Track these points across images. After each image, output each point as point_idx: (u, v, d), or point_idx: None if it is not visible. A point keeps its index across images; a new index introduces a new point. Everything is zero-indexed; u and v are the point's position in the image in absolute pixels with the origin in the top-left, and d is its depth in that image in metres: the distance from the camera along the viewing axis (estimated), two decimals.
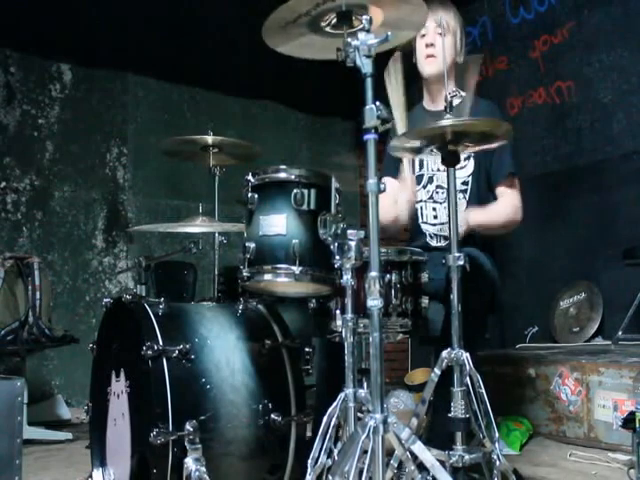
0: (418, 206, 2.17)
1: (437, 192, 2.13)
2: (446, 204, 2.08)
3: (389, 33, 1.23)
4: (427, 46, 2.06)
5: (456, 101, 2.04)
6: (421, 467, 1.25)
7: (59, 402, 3.23)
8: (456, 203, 1.56)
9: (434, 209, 2.15)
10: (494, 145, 1.63)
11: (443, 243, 2.11)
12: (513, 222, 2.05)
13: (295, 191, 1.44)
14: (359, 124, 1.22)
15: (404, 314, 1.60)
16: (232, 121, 4.15)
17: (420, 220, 2.17)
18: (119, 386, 1.56)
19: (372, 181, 1.19)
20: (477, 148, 1.63)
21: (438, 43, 2.03)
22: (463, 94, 2.14)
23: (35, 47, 3.51)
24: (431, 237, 2.16)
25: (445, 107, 1.58)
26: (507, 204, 2.05)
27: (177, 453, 1.36)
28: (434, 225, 2.15)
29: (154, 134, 3.78)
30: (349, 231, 1.31)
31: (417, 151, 1.65)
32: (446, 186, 1.59)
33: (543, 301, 3.42)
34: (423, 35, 2.08)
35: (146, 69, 3.88)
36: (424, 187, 2.16)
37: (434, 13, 2.00)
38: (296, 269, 1.41)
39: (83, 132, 3.70)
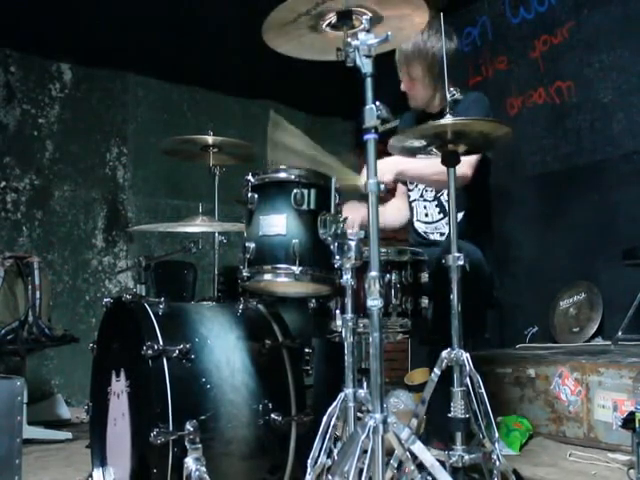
0: (414, 205, 2.20)
1: (426, 190, 2.14)
2: (435, 202, 2.11)
3: (389, 33, 1.23)
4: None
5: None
6: (421, 467, 1.25)
7: (59, 402, 3.23)
8: (455, 203, 1.56)
9: (425, 207, 2.16)
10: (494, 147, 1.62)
11: (440, 237, 2.12)
12: (443, 179, 1.97)
13: (295, 191, 1.44)
14: (359, 124, 1.22)
15: (404, 314, 1.60)
16: (232, 121, 4.15)
17: (415, 218, 2.19)
18: (119, 386, 1.56)
19: (372, 181, 1.19)
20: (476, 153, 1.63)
21: (411, 89, 2.08)
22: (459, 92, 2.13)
23: (35, 46, 3.51)
24: (426, 234, 2.17)
25: (444, 108, 1.59)
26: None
27: (177, 453, 1.36)
28: (426, 223, 2.16)
29: (154, 134, 3.78)
30: (349, 231, 1.31)
31: (416, 151, 1.65)
32: None
33: (543, 301, 3.42)
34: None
35: (146, 69, 3.88)
36: (416, 186, 2.18)
37: (402, 61, 2.03)
38: (296, 269, 1.41)
39: (83, 132, 3.70)
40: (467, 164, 1.87)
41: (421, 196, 2.17)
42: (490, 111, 2.02)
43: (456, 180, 1.74)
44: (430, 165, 1.82)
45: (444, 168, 1.79)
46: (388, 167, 1.84)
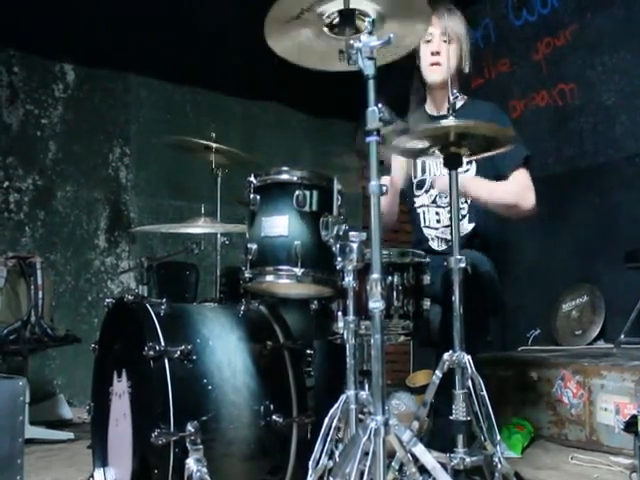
0: (420, 210, 2.18)
1: (440, 197, 2.13)
2: (448, 209, 2.10)
3: (391, 35, 1.23)
4: (432, 54, 2.05)
5: (459, 104, 2.05)
6: (422, 469, 1.25)
7: (61, 402, 3.23)
8: (458, 207, 1.56)
9: (437, 213, 2.15)
10: (497, 151, 1.62)
11: (445, 247, 2.12)
12: (518, 206, 1.97)
13: (297, 192, 1.44)
14: (360, 126, 1.22)
15: (406, 316, 1.60)
16: (234, 122, 4.15)
17: (422, 224, 2.18)
18: (121, 386, 1.56)
19: (374, 183, 1.19)
20: (480, 156, 1.63)
21: (443, 51, 2.03)
22: (465, 97, 2.14)
23: (38, 47, 3.51)
24: (432, 240, 2.16)
25: (448, 109, 1.59)
26: (514, 184, 1.99)
27: (178, 454, 1.36)
28: (437, 229, 2.15)
29: (156, 134, 3.79)
30: (351, 233, 1.31)
31: (419, 153, 1.65)
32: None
33: (545, 304, 3.42)
34: (428, 41, 2.05)
35: (148, 69, 3.88)
36: (426, 192, 2.17)
37: (440, 19, 1.97)
38: (298, 270, 1.41)
39: (86, 132, 3.71)
40: (531, 194, 1.98)
41: (433, 202, 2.15)
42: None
43: (522, 210, 1.96)
44: (505, 191, 1.96)
45: (516, 196, 1.96)
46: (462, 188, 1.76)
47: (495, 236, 2.17)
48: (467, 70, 2.08)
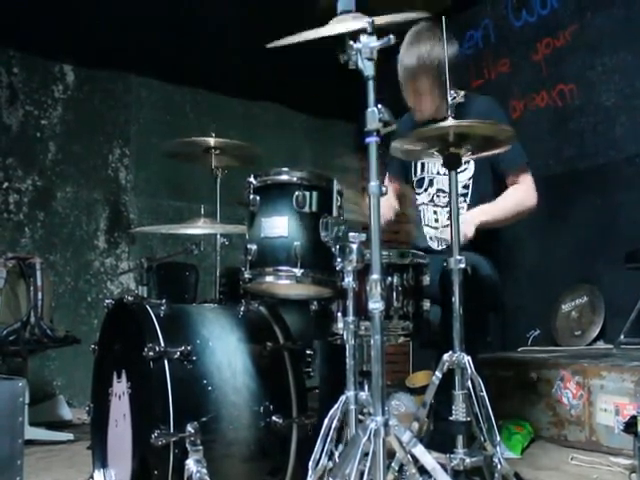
0: (421, 209, 2.18)
1: (438, 196, 2.13)
2: (447, 209, 2.09)
3: (391, 36, 1.23)
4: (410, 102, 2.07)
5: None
6: (422, 470, 1.25)
7: (61, 403, 3.23)
8: (457, 207, 1.56)
9: (435, 212, 2.15)
10: (496, 151, 1.62)
11: (444, 246, 2.12)
12: (523, 212, 2.02)
13: (297, 193, 1.44)
14: (361, 126, 1.22)
15: (405, 317, 1.60)
16: (234, 122, 4.15)
17: (423, 223, 2.18)
18: (120, 387, 1.56)
19: (374, 184, 1.19)
20: (479, 155, 1.63)
21: (418, 102, 2.05)
22: (462, 95, 2.13)
23: (38, 47, 3.51)
24: (432, 239, 2.16)
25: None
26: (513, 196, 2.02)
27: (178, 455, 1.36)
28: (436, 229, 2.15)
29: (156, 135, 3.79)
30: (350, 233, 1.31)
31: (417, 155, 1.65)
32: (447, 190, 1.59)
33: (545, 304, 3.42)
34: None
35: (148, 70, 3.88)
36: (425, 190, 2.17)
37: (408, 77, 1.99)
38: (297, 271, 1.41)
39: (85, 133, 3.71)
40: (533, 193, 2.03)
41: (431, 200, 2.15)
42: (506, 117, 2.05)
43: (528, 211, 2.00)
44: (506, 208, 1.98)
45: (518, 199, 2.00)
46: (467, 224, 1.80)
47: (495, 236, 2.16)
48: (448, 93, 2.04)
